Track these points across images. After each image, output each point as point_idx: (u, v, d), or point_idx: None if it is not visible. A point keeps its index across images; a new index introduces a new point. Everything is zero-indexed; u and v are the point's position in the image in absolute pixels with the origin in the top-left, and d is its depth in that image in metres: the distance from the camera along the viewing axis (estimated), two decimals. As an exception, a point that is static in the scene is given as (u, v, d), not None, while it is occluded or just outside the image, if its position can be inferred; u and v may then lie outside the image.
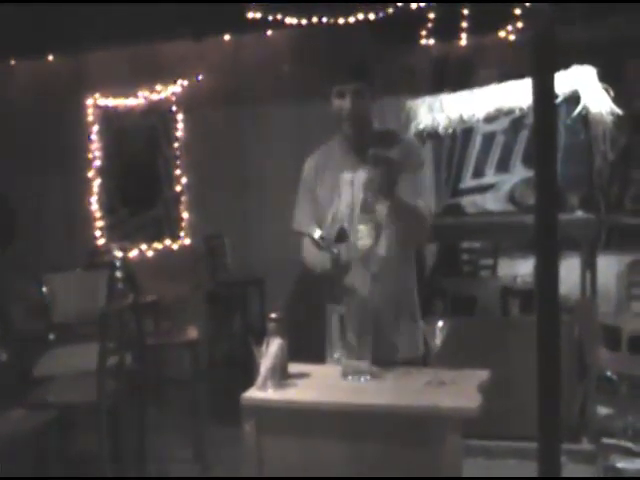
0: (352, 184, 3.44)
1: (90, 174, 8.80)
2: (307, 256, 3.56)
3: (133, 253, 8.55)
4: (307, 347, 3.21)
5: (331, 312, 3.28)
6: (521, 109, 5.48)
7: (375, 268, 3.39)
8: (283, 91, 7.87)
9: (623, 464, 4.79)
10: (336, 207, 3.47)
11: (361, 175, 3.40)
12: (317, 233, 3.40)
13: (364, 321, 3.19)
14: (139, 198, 8.77)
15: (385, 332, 3.30)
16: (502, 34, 7.36)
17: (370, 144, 3.40)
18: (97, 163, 8.81)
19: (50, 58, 8.63)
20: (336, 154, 3.57)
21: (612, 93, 5.31)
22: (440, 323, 2.92)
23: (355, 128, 3.46)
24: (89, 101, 8.76)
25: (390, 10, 7.17)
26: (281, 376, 3.00)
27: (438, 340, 2.91)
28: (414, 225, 3.42)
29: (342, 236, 3.42)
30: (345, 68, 3.50)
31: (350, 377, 2.97)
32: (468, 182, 7.64)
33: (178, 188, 8.60)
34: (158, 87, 8.53)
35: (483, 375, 3.01)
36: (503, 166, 7.52)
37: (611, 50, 6.74)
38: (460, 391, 2.80)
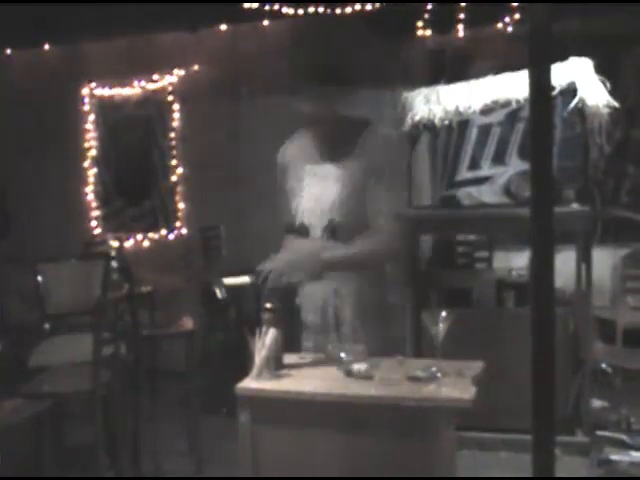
0: (317, 177, 3.38)
1: (86, 164, 8.79)
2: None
3: (129, 243, 8.54)
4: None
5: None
6: (517, 101, 5.47)
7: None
8: (280, 81, 7.84)
9: (617, 456, 4.81)
10: (299, 200, 3.42)
11: (327, 169, 3.35)
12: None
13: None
14: (135, 188, 8.76)
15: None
16: (499, 26, 7.36)
17: (339, 141, 3.37)
18: (93, 153, 8.80)
19: (46, 48, 8.60)
20: (303, 146, 3.50)
21: (609, 86, 5.31)
22: (443, 313, 2.92)
23: (324, 131, 3.37)
24: (85, 90, 8.74)
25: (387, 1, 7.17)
26: (276, 366, 3.00)
27: (441, 330, 2.91)
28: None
29: (303, 231, 3.38)
30: (309, 75, 3.32)
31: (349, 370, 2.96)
32: (464, 174, 7.64)
33: (174, 178, 8.59)
34: (154, 77, 8.51)
35: (478, 367, 3.01)
36: (499, 158, 7.52)
37: (608, 43, 6.74)
38: (454, 382, 2.80)
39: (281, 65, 7.65)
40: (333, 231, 3.33)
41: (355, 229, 3.32)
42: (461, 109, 5.66)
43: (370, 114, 3.59)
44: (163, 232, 8.68)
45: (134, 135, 8.75)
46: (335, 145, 3.39)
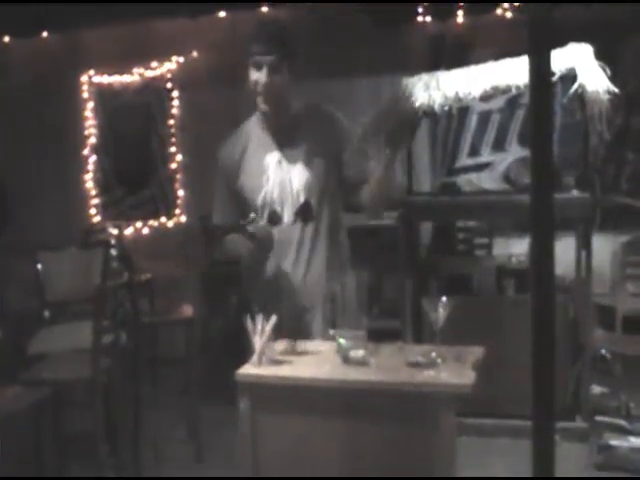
0: (280, 165, 3.38)
1: (85, 152, 8.78)
2: (228, 247, 3.54)
3: (128, 231, 8.53)
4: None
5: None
6: (517, 87, 5.42)
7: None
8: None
9: (616, 442, 4.82)
10: (265, 191, 3.39)
11: (289, 154, 3.36)
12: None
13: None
14: (134, 176, 8.75)
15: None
16: (499, 12, 7.34)
17: (292, 120, 3.41)
18: (92, 141, 8.79)
19: (45, 35, 8.58)
20: (256, 135, 3.48)
21: (609, 72, 5.29)
22: (443, 300, 2.93)
23: (271, 104, 3.36)
24: (84, 78, 8.72)
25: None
26: (276, 352, 3.01)
27: (441, 317, 2.92)
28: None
29: (274, 219, 3.39)
30: (262, 39, 3.34)
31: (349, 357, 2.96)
32: (464, 161, 7.63)
33: (173, 166, 8.58)
34: (153, 64, 8.49)
35: (478, 352, 3.02)
36: (499, 145, 7.51)
37: (608, 28, 6.72)
38: (454, 368, 2.80)
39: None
40: (305, 213, 3.38)
41: (323, 211, 3.41)
42: (461, 95, 5.61)
43: (370, 101, 3.60)
44: (163, 220, 8.67)
45: (133, 123, 8.73)
46: (289, 128, 3.42)
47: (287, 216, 3.39)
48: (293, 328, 3.24)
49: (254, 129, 3.50)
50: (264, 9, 7.89)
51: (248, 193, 3.44)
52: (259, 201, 3.41)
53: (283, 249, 3.42)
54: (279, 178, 3.37)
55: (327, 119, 3.47)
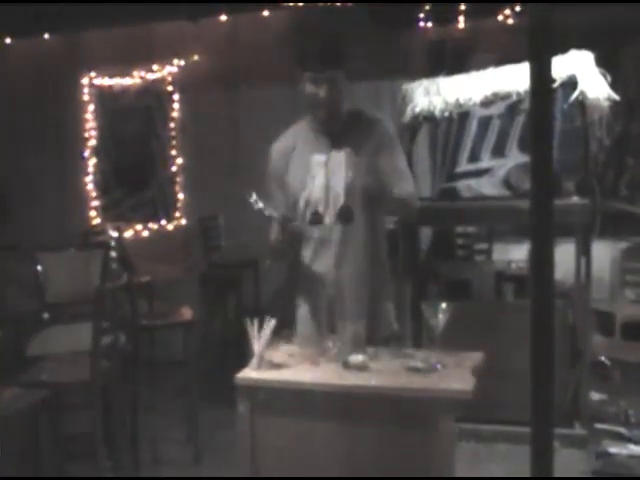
0: (325, 166, 3.41)
1: (85, 154, 8.78)
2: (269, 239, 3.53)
3: (128, 233, 8.53)
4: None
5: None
6: (518, 94, 5.46)
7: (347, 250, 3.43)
8: (280, 72, 7.84)
9: (615, 449, 4.82)
10: (309, 190, 3.42)
11: (335, 156, 3.39)
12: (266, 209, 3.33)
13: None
14: (134, 178, 8.76)
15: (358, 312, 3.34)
16: (500, 18, 7.35)
17: (342, 126, 3.45)
18: (92, 143, 8.79)
19: (46, 37, 8.59)
20: (305, 136, 3.53)
21: (609, 79, 5.30)
22: (443, 305, 2.93)
23: (329, 115, 3.42)
24: (84, 80, 8.73)
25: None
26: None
27: (441, 322, 2.92)
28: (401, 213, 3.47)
29: (316, 220, 3.42)
30: (320, 55, 3.39)
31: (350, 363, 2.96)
32: (464, 166, 7.64)
33: (173, 168, 8.58)
34: (154, 67, 8.50)
35: (477, 358, 3.02)
36: (499, 151, 7.51)
37: (609, 35, 6.72)
38: (454, 374, 2.81)
39: (281, 55, 7.67)
40: (346, 216, 3.39)
41: (364, 213, 3.43)
42: (461, 101, 5.65)
43: (370, 105, 3.64)
44: (162, 222, 8.68)
45: (134, 125, 8.74)
46: (338, 132, 3.44)
47: (329, 217, 3.41)
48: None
49: (304, 130, 3.55)
50: (265, 12, 7.91)
51: (293, 190, 3.49)
52: (302, 200, 3.44)
53: (324, 249, 3.46)
54: (323, 179, 3.40)
55: (370, 124, 3.52)
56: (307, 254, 3.52)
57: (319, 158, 3.42)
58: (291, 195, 3.50)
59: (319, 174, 3.41)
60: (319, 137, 3.48)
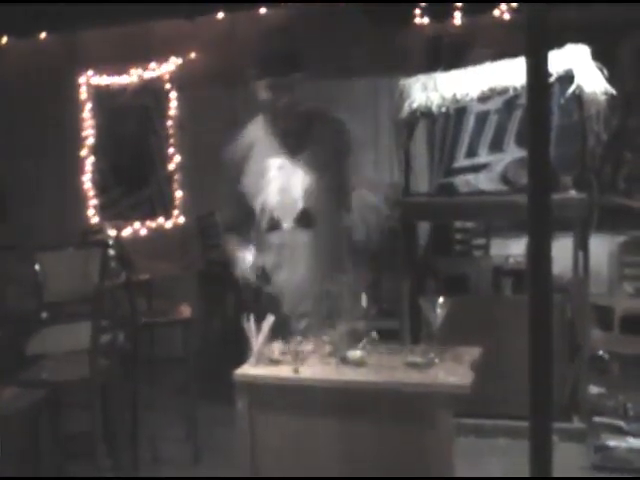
0: (282, 169, 3.36)
1: (83, 152, 8.78)
2: (230, 253, 3.54)
3: (126, 232, 8.53)
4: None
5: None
6: (515, 89, 5.47)
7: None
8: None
9: (614, 443, 4.82)
10: (265, 195, 3.36)
11: (291, 160, 3.34)
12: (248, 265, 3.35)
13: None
14: (132, 177, 8.75)
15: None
16: (496, 13, 7.35)
17: (299, 127, 3.39)
18: (90, 141, 8.79)
19: (43, 36, 8.58)
20: (260, 138, 3.45)
21: (606, 73, 5.30)
22: (441, 300, 2.93)
23: (287, 121, 3.37)
24: (82, 79, 8.72)
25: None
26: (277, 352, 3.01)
27: (439, 317, 2.92)
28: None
29: (273, 226, 3.36)
30: (276, 58, 3.30)
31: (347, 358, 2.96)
32: (461, 161, 7.64)
33: (171, 167, 8.58)
34: (152, 65, 8.49)
35: (475, 352, 3.03)
36: (496, 146, 7.51)
37: (605, 30, 6.72)
38: (452, 368, 2.81)
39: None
40: (305, 220, 3.36)
41: (324, 216, 3.39)
42: (458, 96, 5.65)
43: (367, 102, 3.61)
44: (160, 220, 8.67)
45: (131, 124, 8.73)
46: (295, 136, 3.39)
47: (286, 222, 3.36)
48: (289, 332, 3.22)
49: (259, 131, 3.47)
50: (262, 10, 7.90)
51: (249, 195, 3.42)
52: (258, 206, 3.39)
53: (282, 255, 3.40)
54: (280, 183, 3.35)
55: (333, 125, 3.47)
56: (268, 262, 3.45)
57: (275, 161, 3.36)
58: (248, 199, 3.43)
59: (275, 178, 3.36)
60: (275, 138, 3.41)
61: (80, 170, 8.79)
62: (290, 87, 3.29)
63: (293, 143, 3.37)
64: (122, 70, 8.56)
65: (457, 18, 7.51)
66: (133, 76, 8.57)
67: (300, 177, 3.35)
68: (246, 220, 3.47)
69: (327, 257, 3.42)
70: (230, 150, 3.53)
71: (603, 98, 5.33)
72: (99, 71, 8.65)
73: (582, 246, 5.42)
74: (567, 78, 5.25)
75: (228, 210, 3.55)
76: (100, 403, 4.69)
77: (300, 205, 3.34)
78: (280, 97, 3.28)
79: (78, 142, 8.76)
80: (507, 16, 7.30)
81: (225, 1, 7.61)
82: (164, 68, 8.48)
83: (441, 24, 7.62)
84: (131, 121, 8.72)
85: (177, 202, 8.62)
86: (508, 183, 7.16)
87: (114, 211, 8.79)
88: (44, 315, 5.39)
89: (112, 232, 7.64)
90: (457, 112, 7.01)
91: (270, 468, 2.91)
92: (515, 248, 6.33)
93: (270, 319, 3.00)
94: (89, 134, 8.79)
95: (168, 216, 8.65)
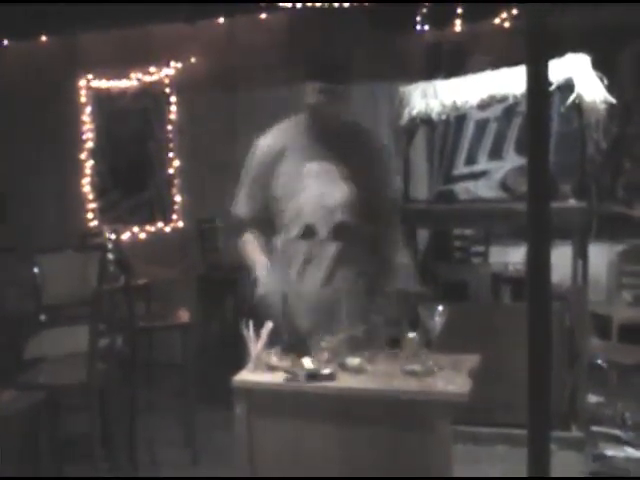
0: (319, 176, 3.28)
1: (82, 156, 8.78)
2: (247, 250, 3.48)
3: (125, 235, 8.53)
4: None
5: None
6: (514, 96, 5.48)
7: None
8: (277, 75, 7.85)
9: (612, 452, 4.82)
10: (300, 201, 3.28)
11: (330, 168, 3.27)
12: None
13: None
14: (131, 180, 8.76)
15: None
16: (496, 21, 7.36)
17: (337, 136, 3.32)
18: (90, 145, 8.79)
19: (43, 39, 8.59)
20: (298, 140, 3.38)
21: (606, 82, 5.31)
22: (440, 307, 2.93)
23: (330, 124, 3.31)
24: (82, 82, 8.73)
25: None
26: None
27: (438, 325, 2.91)
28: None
29: (308, 234, 3.27)
30: (330, 65, 3.28)
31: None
32: (461, 169, 7.64)
33: (171, 171, 8.58)
34: (151, 69, 8.50)
35: (474, 360, 3.03)
36: (496, 153, 7.52)
37: (605, 39, 6.73)
38: (451, 376, 2.81)
39: (278, 58, 7.67)
40: (341, 231, 3.27)
41: (359, 230, 3.31)
42: (458, 104, 5.66)
43: (367, 109, 3.59)
44: (159, 224, 8.67)
45: (131, 127, 8.74)
46: (337, 144, 3.32)
47: (322, 232, 3.28)
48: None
49: (297, 132, 3.40)
50: (262, 15, 7.91)
51: (280, 196, 3.33)
52: (292, 210, 3.29)
53: (311, 266, 3.31)
54: (317, 191, 3.26)
55: (376, 143, 3.46)
56: (292, 272, 3.36)
57: (312, 166, 3.29)
58: (278, 200, 3.35)
59: (312, 184, 3.28)
60: (313, 144, 3.33)
61: (79, 173, 8.79)
62: (342, 95, 3.25)
63: (334, 151, 3.30)
64: (122, 74, 8.56)
65: (457, 25, 7.52)
66: (133, 80, 8.57)
67: (338, 187, 3.27)
68: (269, 223, 3.40)
69: (362, 272, 3.35)
70: (264, 142, 3.46)
71: (603, 107, 5.34)
72: (99, 74, 8.65)
73: (581, 254, 5.43)
74: (567, 87, 5.25)
75: (248, 209, 3.46)
76: (98, 407, 4.68)
77: (338, 216, 3.26)
78: (331, 103, 3.23)
79: (78, 145, 8.76)
80: (507, 24, 7.30)
81: (226, 1, 7.60)
82: (164, 72, 8.49)
83: (441, 31, 7.63)
84: (131, 125, 8.73)
85: (176, 206, 8.62)
86: (507, 191, 7.17)
87: (113, 214, 8.79)
88: (42, 318, 5.39)
89: (111, 236, 7.65)
90: (457, 119, 7.02)
91: (268, 473, 2.91)
92: (514, 256, 6.33)
93: (269, 325, 3.00)
94: (89, 137, 8.79)
95: (167, 220, 8.65)
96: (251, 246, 3.46)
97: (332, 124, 3.31)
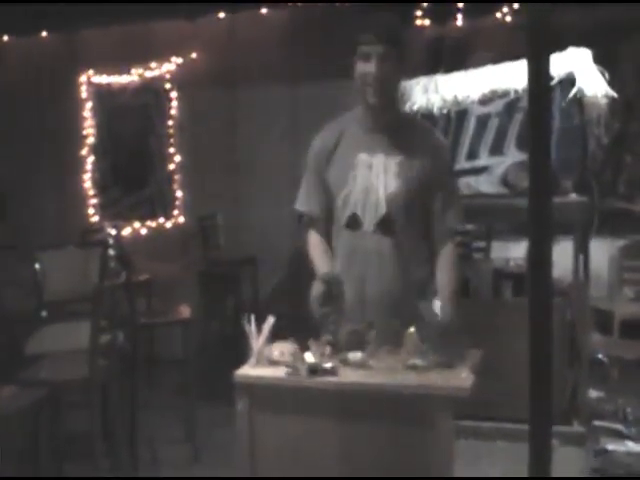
0: (370, 168, 3.21)
1: (83, 152, 8.78)
2: (311, 254, 3.37)
3: (126, 231, 8.53)
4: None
5: None
6: (516, 91, 5.47)
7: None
8: (278, 70, 7.85)
9: (613, 447, 4.82)
10: (349, 190, 3.22)
11: (382, 159, 3.20)
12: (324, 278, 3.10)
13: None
14: (132, 176, 8.76)
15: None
16: (498, 15, 7.34)
17: (394, 126, 3.25)
18: (90, 141, 8.79)
19: (44, 35, 8.58)
20: (353, 131, 3.30)
21: (607, 76, 5.30)
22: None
23: (380, 98, 3.18)
24: (82, 78, 8.73)
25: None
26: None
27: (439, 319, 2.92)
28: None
29: (353, 224, 3.21)
30: (372, 28, 3.18)
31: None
32: (462, 164, 7.59)
33: (172, 167, 8.58)
34: (152, 65, 8.49)
35: (476, 355, 3.02)
36: (497, 148, 7.48)
37: (607, 33, 6.72)
38: (452, 371, 2.81)
39: (279, 54, 7.66)
40: (387, 226, 3.21)
41: (406, 226, 3.24)
42: (459, 99, 5.66)
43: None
44: (161, 220, 8.67)
45: (132, 123, 8.74)
46: (389, 133, 3.26)
47: (367, 223, 3.21)
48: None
49: (353, 124, 3.32)
50: (263, 10, 7.90)
51: (333, 186, 3.28)
52: (340, 199, 3.24)
53: (355, 258, 3.25)
54: (366, 181, 3.20)
55: (425, 134, 3.34)
56: (336, 264, 3.32)
57: (365, 157, 3.22)
58: (331, 189, 3.29)
59: (362, 175, 3.22)
60: (368, 134, 3.26)
61: (80, 169, 8.79)
62: (382, 57, 3.17)
63: (384, 142, 3.23)
64: (123, 69, 8.56)
65: (459, 20, 7.51)
66: (134, 75, 8.57)
67: (388, 179, 3.20)
68: (328, 215, 3.34)
69: (405, 272, 3.27)
70: (322, 134, 3.40)
71: (604, 102, 5.33)
72: (100, 70, 8.66)
73: (582, 250, 5.42)
74: (568, 81, 5.24)
75: (311, 205, 3.36)
76: (99, 403, 4.68)
77: (382, 209, 3.19)
78: (371, 66, 3.15)
79: (78, 141, 8.76)
80: (509, 19, 7.29)
81: (226, 1, 7.60)
82: (165, 68, 8.49)
83: (442, 26, 7.62)
84: (131, 121, 8.73)
85: (177, 202, 8.62)
86: (509, 186, 7.14)
87: (114, 211, 8.79)
88: (44, 314, 5.39)
89: (112, 232, 7.65)
90: (458, 114, 6.99)
91: (269, 469, 2.90)
92: (515, 251, 6.32)
93: (270, 320, 2.99)
94: (89, 133, 8.80)
95: (168, 216, 8.65)
96: (315, 251, 3.39)
97: (382, 96, 3.20)
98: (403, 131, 3.28)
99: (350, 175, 3.23)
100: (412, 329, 2.93)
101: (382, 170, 3.21)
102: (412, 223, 3.25)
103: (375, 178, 3.21)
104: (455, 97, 5.65)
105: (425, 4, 7.48)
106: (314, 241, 3.42)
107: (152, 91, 8.61)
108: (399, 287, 3.25)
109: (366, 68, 3.15)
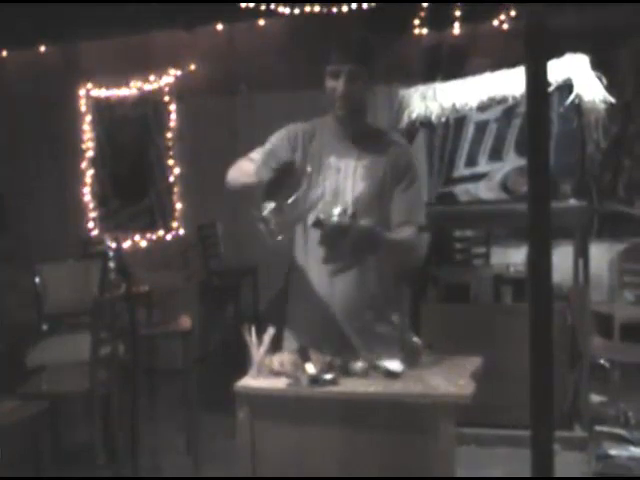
0: (339, 171, 3.28)
1: (83, 164, 8.79)
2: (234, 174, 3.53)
3: (126, 243, 8.53)
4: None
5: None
6: (514, 97, 5.48)
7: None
8: (275, 80, 7.86)
9: (615, 451, 4.81)
10: (318, 192, 3.21)
11: (350, 164, 3.27)
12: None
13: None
14: (132, 188, 8.77)
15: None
16: (495, 22, 7.36)
17: (364, 136, 3.31)
18: (90, 153, 8.81)
19: (42, 48, 8.60)
20: (324, 134, 3.37)
21: (605, 81, 5.31)
22: (338, 209, 2.93)
23: (347, 112, 3.26)
24: (81, 91, 8.75)
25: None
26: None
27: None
28: (401, 259, 3.32)
29: (318, 225, 3.12)
30: (342, 48, 3.26)
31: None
32: (461, 171, 7.64)
33: (171, 178, 8.59)
34: (151, 77, 8.51)
35: (476, 362, 3.02)
36: (496, 154, 7.51)
37: (604, 39, 6.74)
38: (453, 378, 2.80)
39: (277, 63, 7.68)
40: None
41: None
42: (458, 106, 5.66)
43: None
44: (160, 232, 8.68)
45: (131, 135, 8.76)
46: (359, 141, 3.31)
47: (332, 226, 3.11)
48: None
49: (324, 128, 3.39)
50: (261, 22, 7.92)
51: (299, 171, 3.14)
52: (309, 200, 3.14)
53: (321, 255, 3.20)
54: (334, 184, 3.27)
55: (395, 147, 3.36)
56: (300, 257, 3.38)
57: (334, 162, 3.29)
58: (294, 179, 3.11)
59: (330, 178, 3.28)
60: (337, 140, 3.33)
61: (80, 182, 8.80)
62: (350, 75, 3.20)
63: (354, 148, 3.29)
64: (121, 82, 8.58)
65: (456, 28, 7.52)
66: (132, 88, 8.59)
67: (354, 182, 3.27)
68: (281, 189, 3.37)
69: (367, 272, 3.27)
70: (299, 125, 3.44)
71: (602, 106, 5.34)
72: (98, 83, 8.67)
73: (582, 254, 5.42)
74: (566, 87, 5.26)
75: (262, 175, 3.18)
76: (100, 414, 4.68)
77: (348, 211, 3.10)
78: (340, 84, 3.20)
79: (78, 154, 8.77)
80: (506, 25, 7.31)
81: (227, 1, 7.60)
82: (163, 80, 8.50)
83: (440, 34, 7.64)
84: (131, 132, 8.75)
85: (177, 213, 8.63)
86: (508, 192, 7.17)
87: (114, 222, 8.80)
88: (44, 326, 5.40)
89: (112, 244, 7.65)
90: (456, 121, 7.02)
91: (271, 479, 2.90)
92: (515, 256, 6.33)
93: (271, 330, 2.99)
94: (89, 146, 8.81)
95: (168, 227, 8.66)
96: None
97: (351, 110, 3.28)
98: (370, 139, 3.35)
99: (320, 177, 3.28)
100: (415, 338, 2.94)
101: (350, 173, 3.27)
102: (380, 224, 3.25)
103: (342, 182, 3.27)
104: (453, 104, 5.66)
105: (422, 12, 7.49)
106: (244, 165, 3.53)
107: (151, 103, 8.63)
108: (363, 288, 3.26)
109: (335, 85, 3.22)
